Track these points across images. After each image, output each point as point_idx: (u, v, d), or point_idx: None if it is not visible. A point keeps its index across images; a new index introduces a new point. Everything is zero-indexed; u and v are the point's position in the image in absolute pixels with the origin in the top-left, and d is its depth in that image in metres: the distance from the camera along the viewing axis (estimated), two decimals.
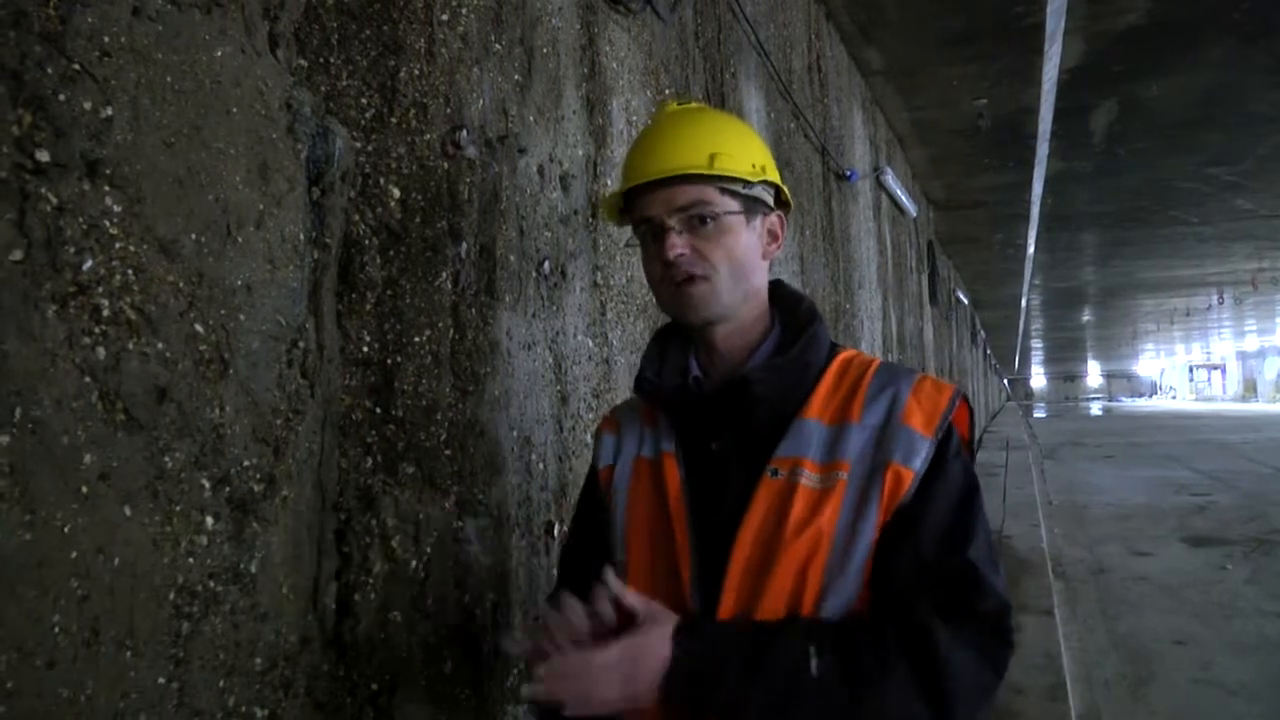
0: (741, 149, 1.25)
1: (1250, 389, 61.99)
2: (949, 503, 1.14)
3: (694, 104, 1.34)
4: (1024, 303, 22.63)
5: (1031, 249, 14.06)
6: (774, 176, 1.28)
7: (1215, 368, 72.87)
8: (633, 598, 1.10)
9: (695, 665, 1.07)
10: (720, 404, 1.24)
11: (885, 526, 1.13)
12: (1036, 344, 47.14)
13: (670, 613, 1.11)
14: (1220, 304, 25.41)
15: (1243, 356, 62.77)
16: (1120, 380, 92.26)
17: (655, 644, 1.07)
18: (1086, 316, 32.08)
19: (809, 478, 1.17)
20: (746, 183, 1.24)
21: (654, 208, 1.23)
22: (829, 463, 1.18)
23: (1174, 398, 78.17)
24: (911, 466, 1.14)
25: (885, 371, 1.25)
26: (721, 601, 1.16)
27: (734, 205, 1.23)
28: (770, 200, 1.30)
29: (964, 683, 1.07)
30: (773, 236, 1.30)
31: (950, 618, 1.08)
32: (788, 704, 1.05)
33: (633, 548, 1.30)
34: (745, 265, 1.24)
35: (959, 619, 1.08)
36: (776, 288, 1.35)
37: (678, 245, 1.21)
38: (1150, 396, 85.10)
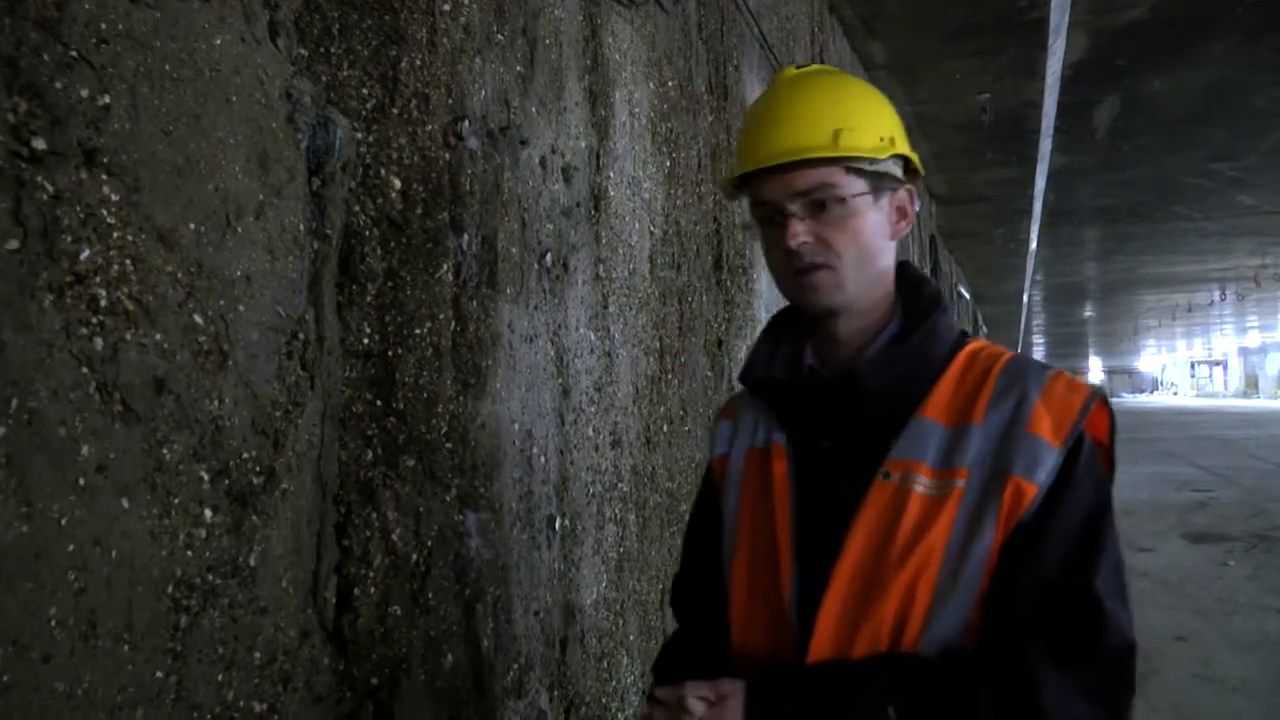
0: (869, 121, 1.14)
1: (1252, 385, 61.92)
2: (1074, 523, 1.03)
3: (814, 67, 1.22)
4: (1026, 298, 22.61)
5: (1034, 244, 14.03)
6: (904, 148, 1.17)
7: (1217, 364, 72.80)
8: (693, 693, 1.05)
9: None
10: (831, 398, 1.16)
11: (1003, 546, 1.03)
12: (1038, 339, 47.10)
13: (736, 682, 1.06)
14: (1222, 300, 25.37)
15: (1244, 353, 62.68)
16: (1122, 376, 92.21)
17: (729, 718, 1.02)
18: (1088, 312, 32.04)
19: (924, 484, 1.07)
20: (874, 159, 1.12)
21: (773, 191, 1.13)
22: (946, 469, 1.07)
23: (1175, 394, 78.13)
24: (1035, 480, 1.03)
25: (1014, 367, 1.13)
26: (821, 612, 1.08)
27: (861, 186, 1.12)
28: (899, 173, 1.18)
29: None
30: (901, 214, 1.19)
31: (1065, 660, 0.98)
32: None
33: (739, 546, 1.22)
34: (872, 250, 1.14)
35: (1075, 662, 0.98)
36: (902, 270, 1.24)
37: (800, 233, 1.11)
38: (1152, 392, 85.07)
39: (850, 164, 1.12)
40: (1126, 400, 66.73)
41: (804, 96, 1.17)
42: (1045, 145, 8.44)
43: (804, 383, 1.19)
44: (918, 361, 1.14)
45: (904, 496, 1.07)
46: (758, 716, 1.02)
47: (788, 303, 1.25)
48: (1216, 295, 24.60)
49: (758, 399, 1.26)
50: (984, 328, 27.52)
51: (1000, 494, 1.03)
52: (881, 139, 1.14)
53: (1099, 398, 1.09)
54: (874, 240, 1.15)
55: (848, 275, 1.13)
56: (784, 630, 1.12)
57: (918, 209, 1.23)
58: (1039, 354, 60.61)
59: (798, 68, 1.22)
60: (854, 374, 1.13)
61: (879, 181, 1.15)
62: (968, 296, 19.16)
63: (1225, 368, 71.24)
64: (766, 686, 1.05)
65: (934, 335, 1.16)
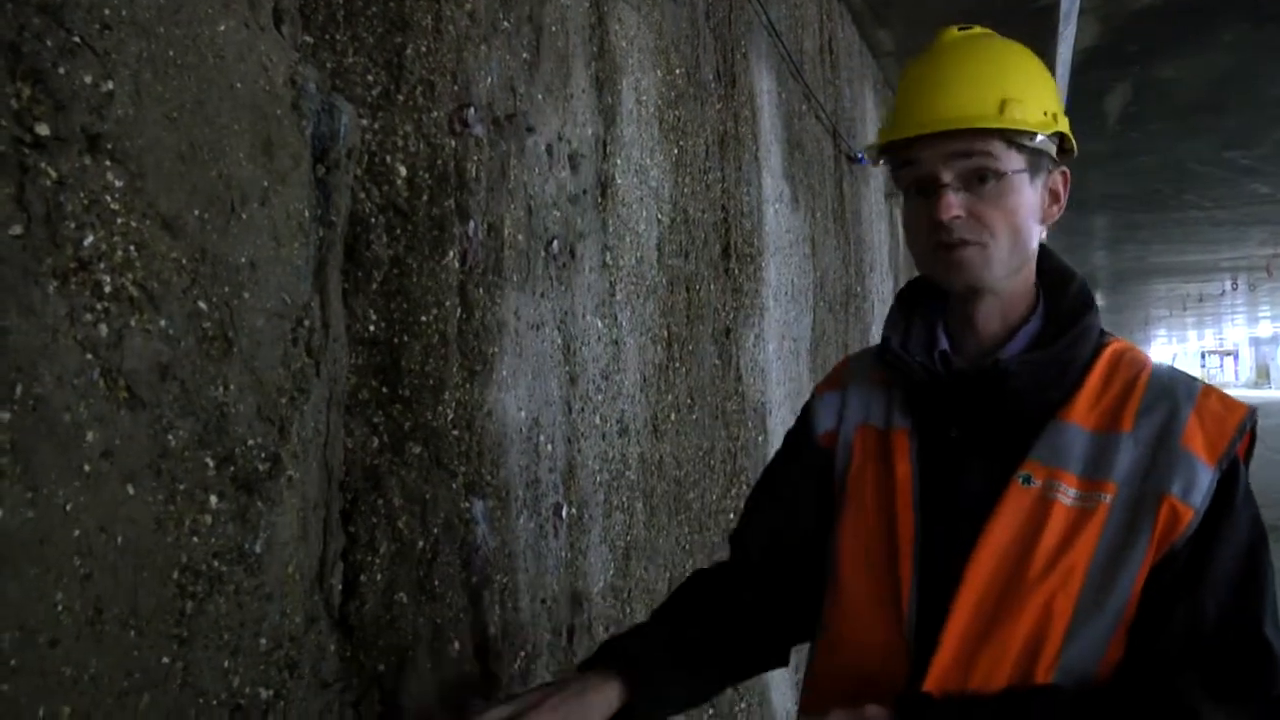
0: (1035, 93, 1.08)
1: (1263, 375, 61.65)
2: (1236, 555, 0.97)
3: (977, 30, 1.17)
4: None
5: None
6: (1064, 125, 1.12)
7: (1228, 354, 72.45)
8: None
9: None
10: (969, 388, 1.09)
11: (1154, 569, 0.97)
12: None
13: (883, 710, 0.96)
14: (1234, 289, 25.23)
15: (1256, 343, 62.39)
16: None
17: None
18: (1098, 301, 31.89)
19: (1068, 494, 1.01)
20: (1037, 135, 1.07)
21: (929, 160, 1.07)
22: (1092, 479, 1.01)
23: None
24: (1191, 503, 0.97)
25: (1165, 376, 1.08)
26: (947, 627, 1.00)
27: (1020, 162, 1.07)
28: (1054, 152, 1.13)
29: None
30: (1054, 197, 1.15)
31: (1225, 698, 0.91)
32: None
33: (846, 537, 1.15)
34: (1024, 231, 1.09)
35: (1237, 700, 0.92)
36: (1044, 258, 1.18)
37: (954, 206, 1.05)
38: None
39: (1013, 137, 1.06)
40: None
41: (970, 61, 1.11)
42: None
43: (938, 369, 1.11)
44: (1064, 363, 1.08)
45: (1047, 506, 1.01)
46: None
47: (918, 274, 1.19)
48: (1228, 285, 24.46)
49: (887, 375, 1.18)
50: None
51: (1155, 514, 0.97)
52: (1046, 113, 1.09)
53: (1254, 419, 1.04)
54: (1027, 221, 1.10)
55: (997, 255, 1.08)
56: (896, 631, 1.05)
57: (1067, 195, 1.17)
58: None
59: (960, 29, 1.16)
60: (1003, 371, 1.06)
61: (1037, 159, 1.10)
62: None
63: (1236, 358, 70.89)
64: (915, 713, 0.97)
65: (1082, 340, 1.10)
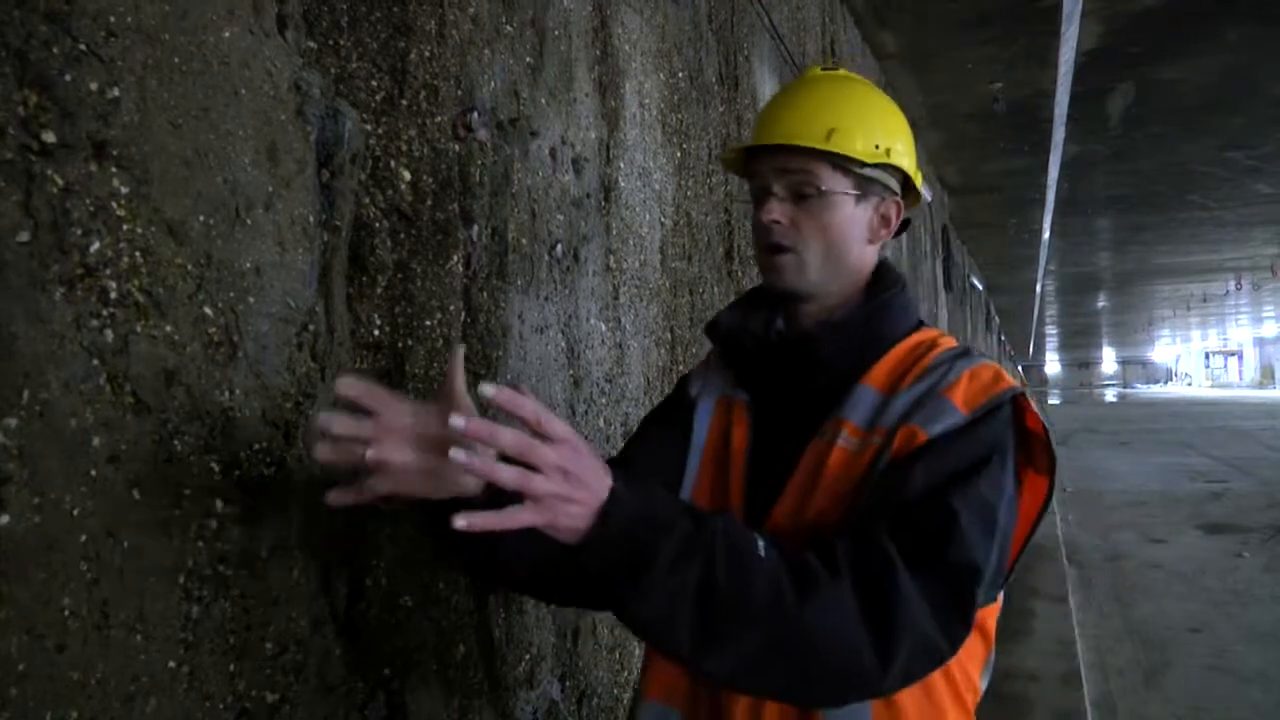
0: (869, 129, 1.22)
1: (1268, 376, 61.54)
2: (955, 458, 1.06)
3: (841, 72, 1.30)
4: (1039, 288, 22.50)
5: (1047, 234, 13.96)
6: (902, 162, 1.25)
7: (1232, 354, 72.36)
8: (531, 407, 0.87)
9: (643, 504, 0.91)
10: (786, 360, 1.23)
11: (883, 470, 1.08)
12: (1051, 330, 46.89)
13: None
14: (1238, 290, 25.19)
15: (1260, 343, 62.31)
16: (1135, 367, 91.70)
17: (597, 465, 0.89)
18: (1102, 302, 31.87)
19: (847, 440, 1.14)
20: (862, 163, 1.20)
21: (762, 170, 1.23)
22: (869, 429, 1.13)
23: (1190, 384, 77.67)
24: (929, 430, 1.07)
25: (954, 351, 1.20)
26: None
27: (845, 184, 1.21)
28: (895, 185, 1.26)
29: (915, 625, 0.95)
30: (885, 222, 1.26)
31: (912, 563, 0.97)
32: (736, 575, 0.91)
33: (698, 484, 1.28)
34: (841, 245, 1.21)
35: (921, 566, 0.97)
36: (886, 273, 1.30)
37: (775, 211, 1.20)
38: (1166, 383, 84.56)
39: (839, 162, 1.20)
40: (1140, 391, 66.40)
41: (816, 95, 1.25)
42: (1058, 134, 8.38)
43: (770, 342, 1.26)
44: (868, 333, 1.21)
45: (829, 451, 1.14)
46: (627, 483, 0.91)
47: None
48: (1232, 285, 24.42)
49: (721, 356, 1.34)
50: (996, 319, 27.40)
51: (894, 439, 1.09)
52: (876, 146, 1.22)
53: (1020, 394, 1.13)
54: (846, 236, 1.22)
55: (810, 263, 1.21)
56: None
57: (919, 217, 1.32)
58: (1052, 344, 60.30)
59: (823, 69, 1.30)
60: (807, 339, 1.22)
61: (867, 185, 1.22)
62: (980, 287, 19.07)
63: (1240, 358, 70.81)
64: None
65: (887, 310, 1.23)
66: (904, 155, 1.26)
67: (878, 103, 1.27)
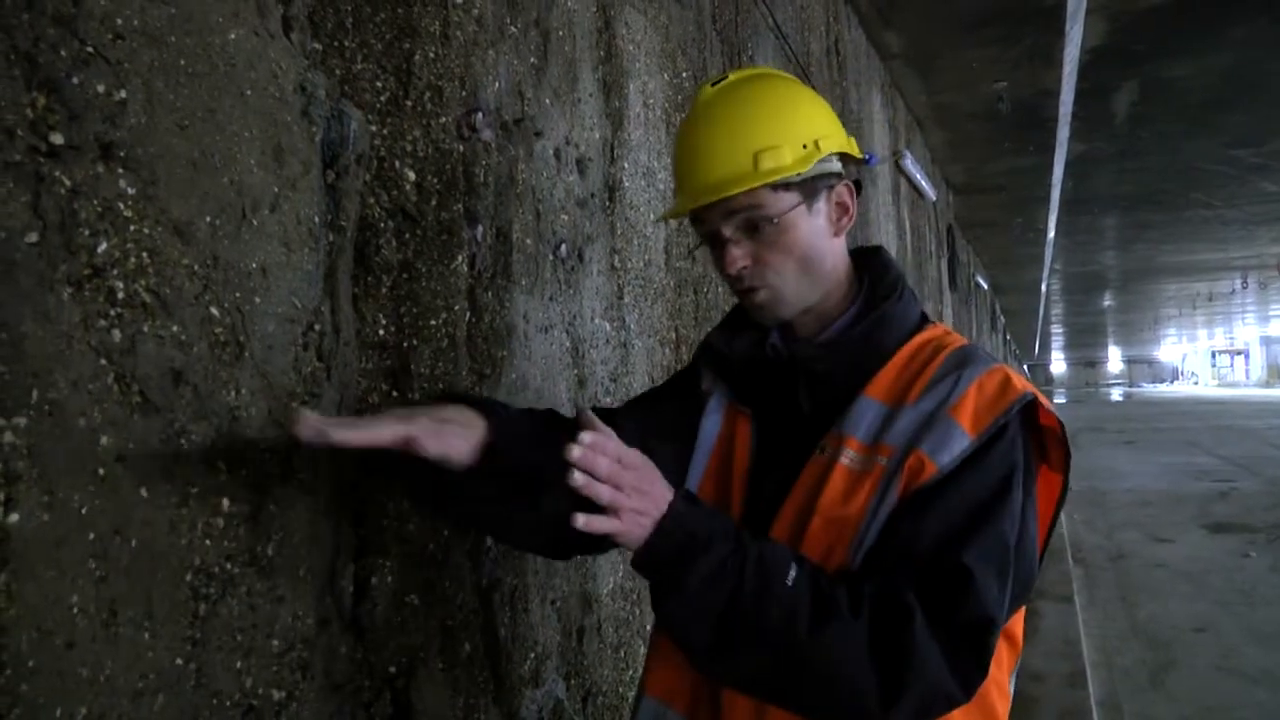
0: (789, 131, 1.15)
1: (1274, 374, 61.34)
2: (968, 498, 1.04)
3: (731, 78, 1.22)
4: (1044, 287, 22.46)
5: (1052, 233, 13.94)
6: (834, 145, 1.18)
7: (1238, 353, 72.15)
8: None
9: (693, 521, 1.00)
10: (783, 378, 1.20)
11: (895, 507, 1.06)
12: (1057, 329, 46.81)
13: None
14: (1244, 288, 25.16)
15: (1266, 342, 62.10)
16: (1141, 366, 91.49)
17: (662, 482, 1.02)
18: (1107, 301, 31.81)
19: (850, 457, 1.10)
20: (799, 174, 1.14)
21: (709, 219, 1.17)
22: (874, 444, 1.10)
23: (1196, 383, 77.46)
24: (937, 461, 1.05)
25: (960, 355, 1.15)
26: None
27: (791, 200, 1.15)
28: (836, 167, 1.19)
29: (925, 671, 0.97)
30: (842, 209, 1.21)
31: (930, 619, 0.99)
32: (758, 599, 0.98)
33: (700, 496, 1.24)
34: (811, 257, 1.17)
35: (938, 622, 0.99)
36: (873, 255, 1.27)
37: (737, 260, 1.16)
38: (1172, 382, 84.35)
39: (778, 183, 1.14)
40: (1146, 390, 66.24)
41: (723, 121, 1.17)
42: (1063, 133, 8.38)
43: (768, 359, 1.23)
44: (866, 346, 1.18)
45: (831, 468, 1.11)
46: (686, 499, 1.02)
47: None
48: (1238, 284, 24.39)
49: (715, 372, 1.32)
50: (1001, 318, 27.36)
51: (904, 467, 1.06)
52: (805, 146, 1.16)
53: (1030, 399, 1.10)
54: (813, 248, 1.18)
55: (786, 291, 1.18)
56: None
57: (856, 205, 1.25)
58: (1058, 343, 60.20)
59: (713, 84, 1.22)
60: (800, 359, 1.19)
61: (811, 187, 1.17)
62: (986, 286, 19.05)
63: (1247, 357, 70.60)
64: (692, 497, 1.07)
65: (884, 322, 1.19)
66: (831, 136, 1.19)
67: (786, 97, 1.20)
